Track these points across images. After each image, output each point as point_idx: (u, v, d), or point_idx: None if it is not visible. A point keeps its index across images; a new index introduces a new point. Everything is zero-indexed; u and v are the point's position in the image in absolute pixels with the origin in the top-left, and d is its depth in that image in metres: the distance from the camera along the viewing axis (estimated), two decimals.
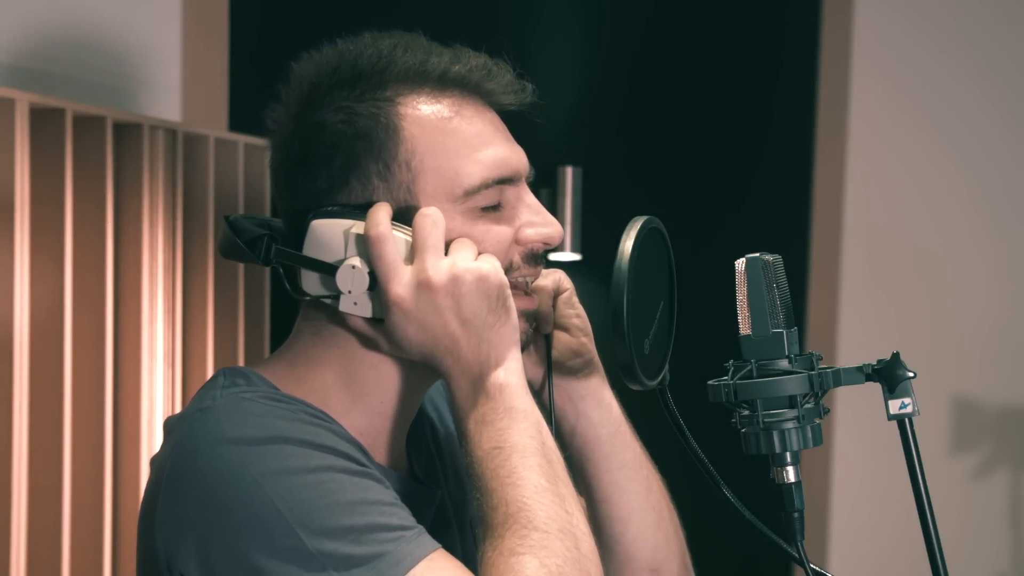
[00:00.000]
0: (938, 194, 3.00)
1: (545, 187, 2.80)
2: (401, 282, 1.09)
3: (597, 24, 2.89)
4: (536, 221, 1.17)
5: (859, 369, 1.10)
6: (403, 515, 1.05)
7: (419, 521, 1.07)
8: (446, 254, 1.10)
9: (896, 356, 1.09)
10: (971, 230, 3.01)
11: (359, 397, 1.15)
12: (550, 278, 1.28)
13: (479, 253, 1.12)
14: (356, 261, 1.11)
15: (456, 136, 1.14)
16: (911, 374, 1.08)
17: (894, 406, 1.08)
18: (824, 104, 2.97)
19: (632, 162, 2.92)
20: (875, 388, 1.10)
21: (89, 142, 1.92)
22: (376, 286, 1.10)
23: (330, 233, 1.12)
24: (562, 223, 2.74)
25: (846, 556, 3.02)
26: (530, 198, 1.19)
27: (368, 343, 1.14)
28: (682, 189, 2.93)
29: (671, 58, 2.94)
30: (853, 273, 3.00)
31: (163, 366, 2.01)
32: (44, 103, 1.83)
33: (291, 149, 1.15)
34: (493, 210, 1.15)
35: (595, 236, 2.81)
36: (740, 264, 1.11)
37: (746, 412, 1.10)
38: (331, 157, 1.12)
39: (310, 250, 1.13)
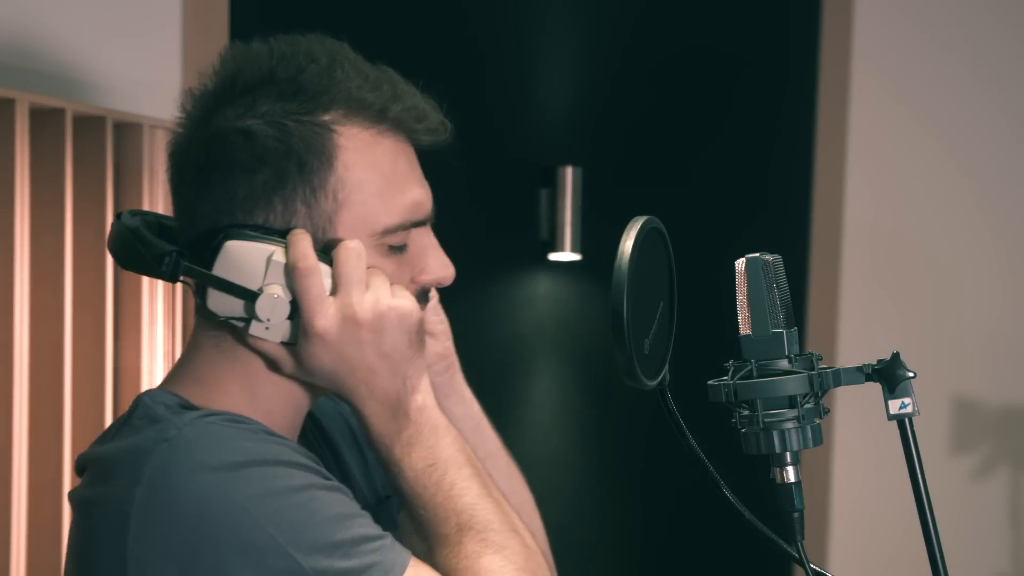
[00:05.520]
0: (938, 194, 3.01)
1: (545, 187, 2.80)
2: (326, 315, 1.10)
3: (597, 24, 2.89)
4: (433, 266, 1.19)
5: (859, 369, 1.10)
6: (373, 523, 1.09)
7: None
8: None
9: (896, 356, 1.09)
10: (971, 230, 3.02)
11: (263, 414, 1.15)
12: None
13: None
14: (278, 290, 1.10)
15: (384, 175, 1.14)
16: (911, 374, 1.08)
17: (894, 406, 1.08)
18: (824, 104, 2.97)
19: (632, 162, 2.92)
20: (875, 388, 1.10)
21: (89, 142, 1.92)
22: (295, 315, 1.10)
23: (249, 257, 1.10)
24: (562, 223, 2.77)
25: (846, 556, 3.02)
26: (431, 239, 1.20)
27: (272, 364, 1.15)
28: (682, 189, 2.93)
29: (671, 58, 2.94)
30: (853, 273, 3.00)
31: (163, 366, 2.01)
32: (44, 103, 1.83)
33: (211, 147, 1.12)
34: (399, 250, 1.16)
35: (595, 236, 2.81)
36: (740, 264, 1.11)
37: (746, 412, 1.10)
38: (256, 170, 1.10)
39: (222, 271, 1.10)
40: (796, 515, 1.11)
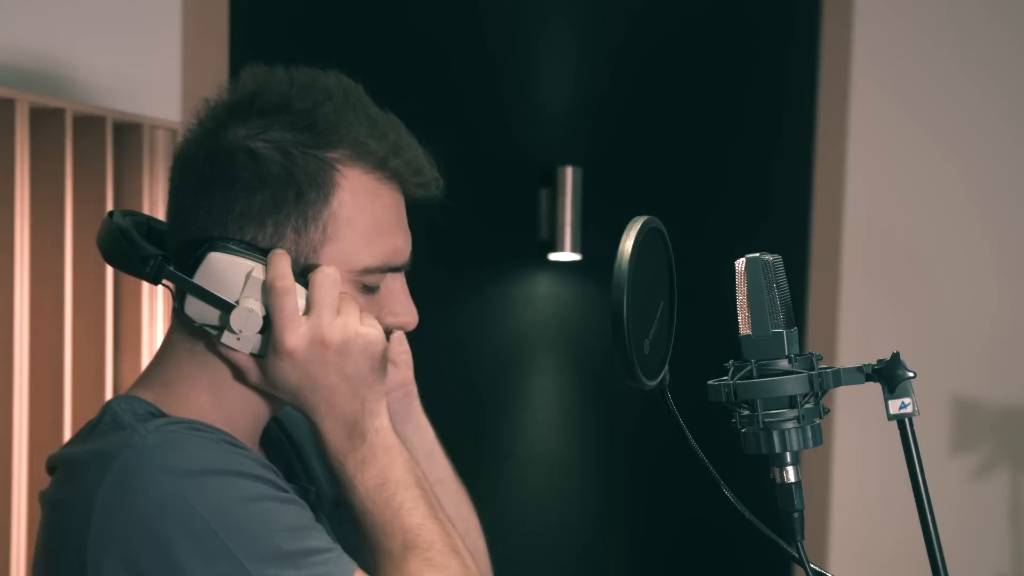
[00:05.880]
0: (938, 194, 3.01)
1: (545, 187, 2.80)
2: (296, 333, 1.15)
3: (597, 24, 2.89)
4: (399, 311, 1.25)
5: (859, 369, 1.10)
6: (324, 536, 1.14)
7: None
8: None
9: (896, 356, 1.09)
10: (971, 230, 3.02)
11: (226, 419, 1.20)
12: None
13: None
14: (254, 305, 1.14)
15: (373, 218, 1.20)
16: (911, 374, 1.08)
17: (894, 406, 1.08)
18: (824, 105, 2.97)
19: (632, 162, 2.92)
20: (875, 388, 1.10)
21: (89, 142, 1.92)
22: (267, 330, 1.15)
23: (229, 270, 1.15)
24: (562, 223, 2.77)
25: (846, 556, 3.02)
26: (403, 285, 1.26)
27: (239, 374, 1.20)
28: (682, 189, 2.93)
29: (671, 58, 2.94)
30: (853, 273, 3.00)
31: None
32: (44, 103, 1.83)
33: (217, 159, 1.17)
34: (372, 290, 1.22)
35: (595, 236, 2.81)
36: (740, 264, 1.11)
37: (746, 412, 1.10)
38: (257, 190, 1.16)
39: (203, 279, 1.15)
40: (796, 515, 1.11)
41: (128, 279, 1.99)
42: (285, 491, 1.15)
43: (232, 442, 1.16)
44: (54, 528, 1.16)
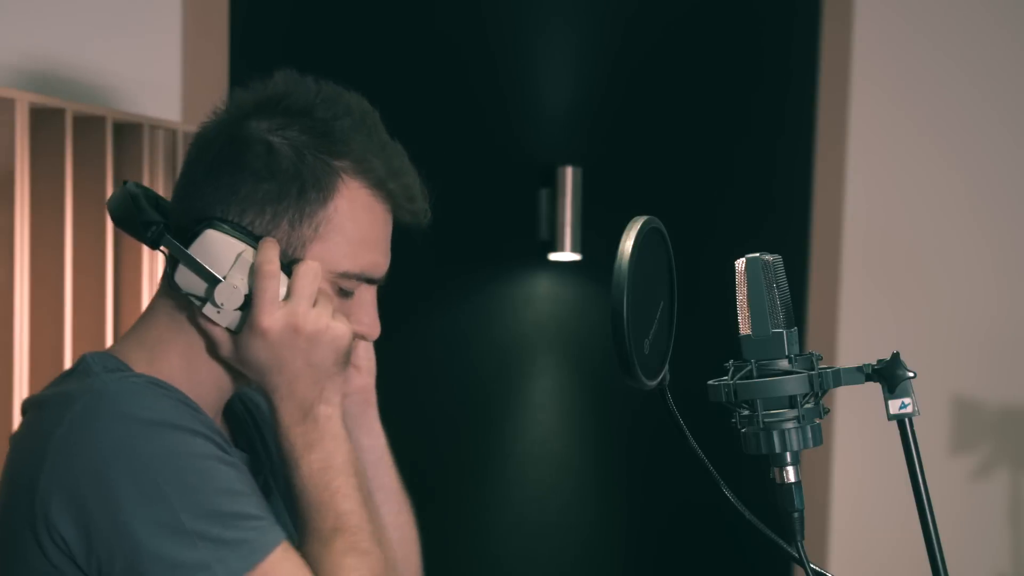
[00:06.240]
0: (937, 195, 3.01)
1: (545, 187, 2.80)
2: (272, 316, 1.24)
3: (598, 24, 2.90)
4: (365, 321, 1.34)
5: (859, 369, 1.10)
6: (260, 503, 1.22)
7: None
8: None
9: (896, 356, 1.09)
10: (970, 231, 3.02)
11: (192, 386, 1.29)
12: None
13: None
14: (239, 283, 1.23)
15: (361, 230, 1.29)
16: (911, 374, 1.08)
17: (894, 406, 1.08)
18: (824, 106, 2.97)
19: (632, 162, 2.92)
20: (875, 388, 1.10)
21: (89, 142, 1.92)
22: (246, 308, 1.24)
23: (222, 247, 1.24)
24: (562, 223, 2.78)
25: (846, 556, 3.02)
26: (373, 298, 1.35)
27: (212, 346, 1.29)
28: (682, 190, 2.93)
29: (671, 59, 2.94)
30: (853, 273, 3.00)
31: None
32: (44, 103, 1.83)
33: (235, 144, 1.26)
34: (346, 295, 1.31)
35: (595, 236, 2.81)
36: (740, 264, 1.11)
37: (746, 412, 1.10)
38: (264, 179, 1.25)
39: (197, 252, 1.24)
40: (796, 515, 1.11)
41: (128, 280, 1.99)
42: (230, 455, 1.22)
43: (187, 403, 1.23)
44: (13, 460, 1.24)
